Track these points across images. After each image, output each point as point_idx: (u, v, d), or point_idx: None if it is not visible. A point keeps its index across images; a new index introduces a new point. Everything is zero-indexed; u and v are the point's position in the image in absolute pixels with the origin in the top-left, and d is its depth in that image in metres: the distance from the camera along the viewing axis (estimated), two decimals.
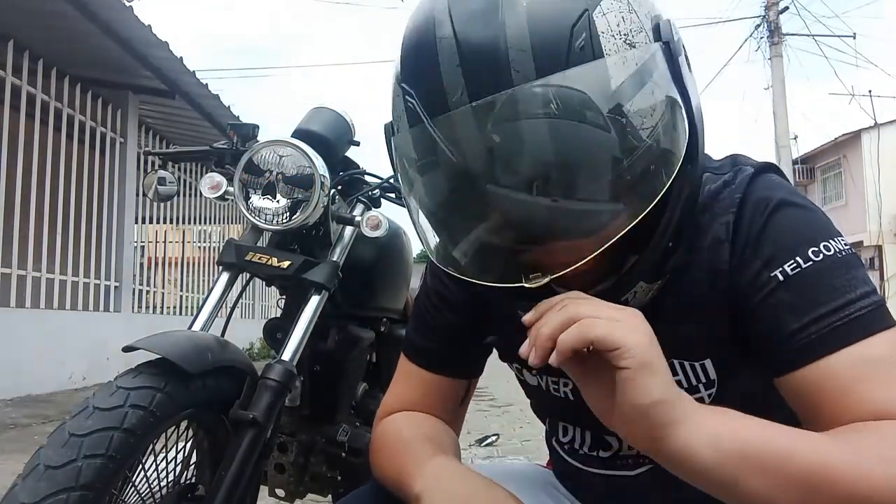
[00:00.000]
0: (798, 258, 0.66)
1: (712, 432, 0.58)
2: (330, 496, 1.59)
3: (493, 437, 3.58)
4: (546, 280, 0.62)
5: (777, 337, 0.66)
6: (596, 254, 0.60)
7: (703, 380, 0.74)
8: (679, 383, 0.72)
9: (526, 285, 0.63)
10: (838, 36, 14.83)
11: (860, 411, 0.61)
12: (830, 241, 0.67)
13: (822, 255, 0.66)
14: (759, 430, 0.59)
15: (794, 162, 16.50)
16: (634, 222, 0.60)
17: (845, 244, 0.68)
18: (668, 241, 0.65)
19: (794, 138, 16.28)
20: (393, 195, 1.50)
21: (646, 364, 0.57)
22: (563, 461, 0.89)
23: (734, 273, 0.69)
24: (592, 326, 0.57)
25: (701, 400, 0.73)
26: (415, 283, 1.87)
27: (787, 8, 13.09)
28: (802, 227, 0.68)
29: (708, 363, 0.73)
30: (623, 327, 0.57)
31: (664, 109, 0.62)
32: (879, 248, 17.87)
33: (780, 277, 0.67)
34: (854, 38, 16.55)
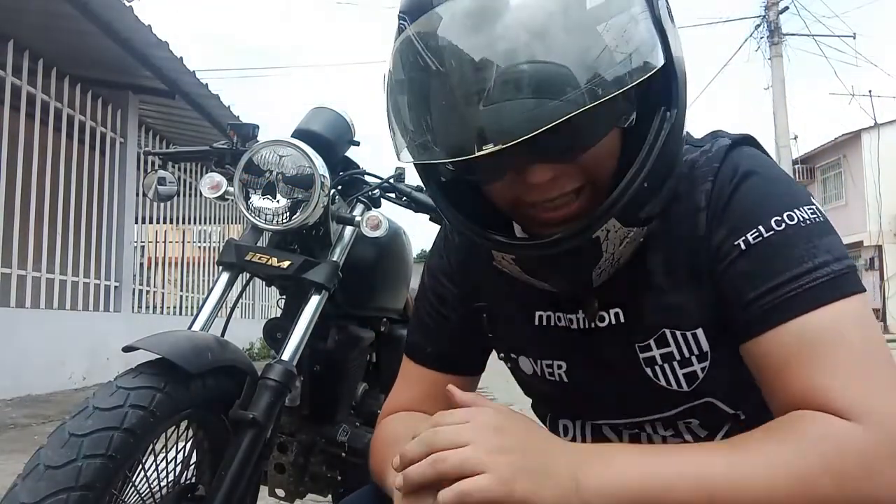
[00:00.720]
0: (761, 227, 0.67)
1: (616, 481, 0.57)
2: (330, 496, 1.59)
3: None
4: (495, 149, 0.58)
5: (736, 306, 0.68)
6: (550, 125, 0.57)
7: (696, 351, 0.73)
8: (671, 355, 0.74)
9: (480, 153, 0.59)
10: (838, 36, 14.85)
11: (792, 393, 0.63)
12: (796, 210, 0.68)
13: (784, 225, 0.67)
14: (665, 462, 0.59)
15: (794, 162, 16.51)
16: (593, 104, 0.57)
17: (813, 213, 0.68)
18: (643, 180, 0.64)
19: (794, 138, 16.27)
20: (393, 195, 1.50)
21: (514, 479, 0.55)
22: None
23: (708, 241, 0.70)
24: (443, 461, 0.56)
25: (694, 374, 0.74)
26: (415, 283, 1.88)
27: (787, 8, 13.09)
28: (768, 197, 0.69)
29: (700, 333, 0.73)
30: (479, 451, 0.55)
31: (643, 32, 0.61)
32: (879, 248, 17.87)
33: (742, 246, 0.68)
34: (854, 38, 16.56)
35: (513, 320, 0.84)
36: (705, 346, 0.73)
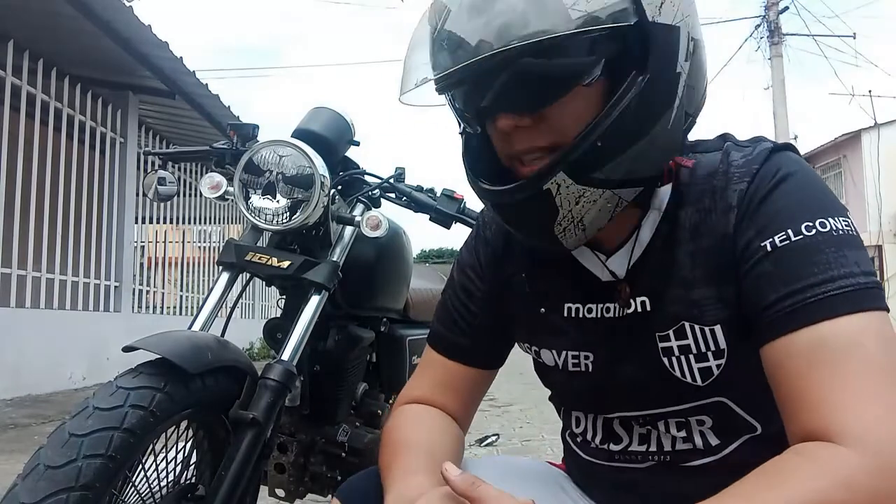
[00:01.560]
0: (789, 230, 0.67)
1: None
2: (330, 496, 1.59)
3: (493, 437, 3.57)
4: (444, 73, 0.65)
5: (757, 307, 0.67)
6: (491, 53, 0.62)
7: (713, 347, 0.73)
8: (688, 348, 0.74)
9: (430, 79, 0.67)
10: (838, 36, 14.81)
11: (800, 405, 0.62)
12: (829, 218, 0.67)
13: (814, 231, 0.66)
14: None
15: None
16: (539, 38, 0.61)
17: (847, 225, 0.67)
18: (597, 139, 0.65)
19: (794, 138, 16.27)
20: (393, 195, 1.50)
21: None
22: (575, 455, 0.91)
23: (735, 240, 0.70)
24: None
25: (709, 370, 0.74)
26: (415, 283, 1.88)
27: (787, 8, 13.08)
28: (802, 201, 0.68)
29: (718, 329, 0.72)
30: None
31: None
32: (879, 248, 17.85)
33: (769, 248, 0.67)
34: (854, 38, 16.52)
35: (540, 314, 0.85)
36: (722, 343, 0.73)
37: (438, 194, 1.47)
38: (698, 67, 0.72)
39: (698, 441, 0.78)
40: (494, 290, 0.89)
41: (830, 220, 0.67)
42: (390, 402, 1.74)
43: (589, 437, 0.87)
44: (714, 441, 0.77)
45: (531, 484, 0.87)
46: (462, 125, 0.77)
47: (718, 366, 0.74)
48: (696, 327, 0.73)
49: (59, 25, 5.06)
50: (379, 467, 0.82)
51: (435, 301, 2.09)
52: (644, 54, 0.66)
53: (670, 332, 0.75)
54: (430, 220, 1.46)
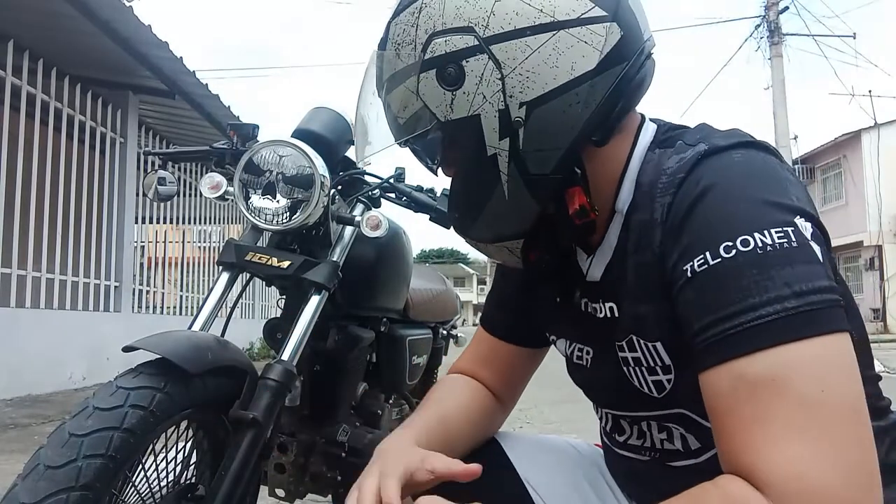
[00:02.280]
0: (707, 254, 0.61)
1: None
2: (330, 496, 1.59)
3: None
4: (381, 148, 0.82)
5: (686, 334, 0.64)
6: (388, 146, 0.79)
7: (659, 363, 0.72)
8: (639, 360, 0.74)
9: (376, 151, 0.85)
10: (838, 36, 14.84)
11: (728, 448, 0.59)
12: (755, 234, 0.59)
13: (734, 252, 0.60)
14: None
15: (794, 162, 16.50)
16: (388, 146, 0.79)
17: (781, 236, 0.59)
18: (454, 211, 0.82)
19: (794, 138, 16.27)
20: (393, 195, 1.50)
21: None
22: (602, 442, 0.94)
23: (663, 260, 0.67)
24: None
25: (661, 384, 0.74)
26: (415, 283, 1.87)
27: (787, 8, 13.10)
28: (726, 218, 0.62)
29: (659, 346, 0.71)
30: None
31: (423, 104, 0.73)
32: (879, 248, 17.85)
33: (689, 273, 0.63)
34: (854, 38, 16.52)
35: (556, 303, 0.87)
36: (667, 359, 0.72)
37: (438, 194, 1.46)
38: (550, 121, 0.69)
39: (678, 444, 0.78)
40: (526, 274, 0.88)
41: (756, 235, 0.59)
42: (390, 401, 1.74)
43: (603, 423, 0.90)
44: (695, 445, 0.76)
45: (565, 462, 0.94)
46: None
47: (668, 380, 0.73)
48: (642, 342, 0.73)
49: (59, 25, 5.06)
50: None
51: (435, 301, 2.09)
52: (454, 150, 0.75)
53: (623, 342, 0.75)
54: (430, 220, 1.46)
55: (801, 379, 0.55)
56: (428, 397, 0.94)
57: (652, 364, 0.73)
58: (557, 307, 0.87)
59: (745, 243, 0.60)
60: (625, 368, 0.76)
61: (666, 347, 0.71)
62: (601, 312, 0.79)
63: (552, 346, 0.96)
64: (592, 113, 0.70)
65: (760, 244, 0.59)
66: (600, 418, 0.91)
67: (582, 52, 0.68)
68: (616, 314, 0.76)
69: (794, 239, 0.60)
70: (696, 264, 0.62)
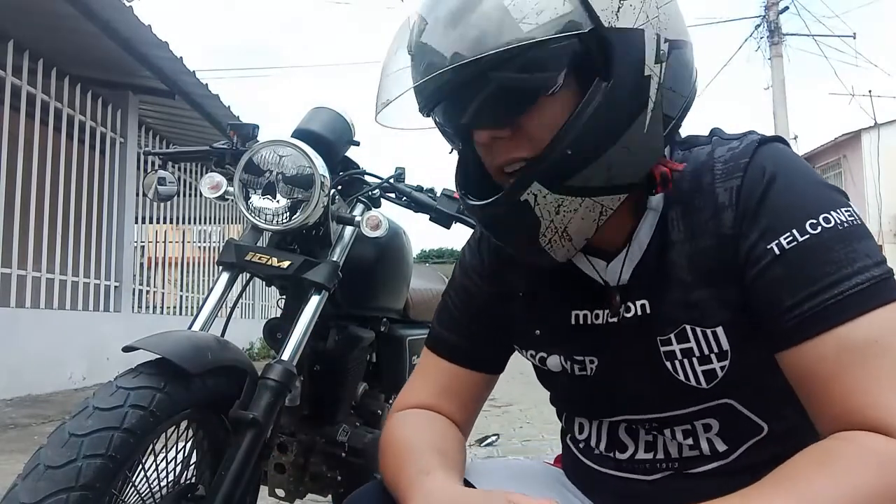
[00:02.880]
0: (795, 231, 0.66)
1: None
2: (330, 496, 1.59)
3: (493, 438, 3.57)
4: (413, 85, 0.69)
5: (772, 313, 0.66)
6: (450, 67, 0.64)
7: (716, 349, 0.72)
8: (690, 351, 0.73)
9: (406, 90, 0.71)
10: (838, 36, 14.78)
11: (835, 408, 0.62)
12: (831, 212, 0.66)
13: (819, 229, 0.65)
14: None
15: None
16: (490, 52, 0.62)
17: (850, 215, 0.66)
18: (566, 147, 0.65)
19: (794, 138, 16.28)
20: (393, 195, 1.50)
21: None
22: (576, 460, 0.89)
23: (737, 242, 0.69)
24: None
25: (713, 372, 0.73)
26: (414, 283, 1.88)
27: (787, 8, 13.08)
28: (802, 199, 0.67)
29: (720, 331, 0.71)
30: None
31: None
32: (879, 248, 17.84)
33: (776, 251, 0.66)
34: (854, 38, 16.51)
35: (547, 320, 0.83)
36: (725, 344, 0.72)
37: (438, 194, 1.47)
38: (679, 69, 0.70)
39: (705, 447, 0.77)
40: (497, 294, 0.87)
41: (833, 213, 0.66)
42: (390, 401, 1.74)
43: (593, 443, 0.86)
44: (722, 447, 0.76)
45: (537, 485, 0.86)
46: (450, 145, 0.79)
47: (723, 367, 0.72)
48: (698, 330, 0.72)
49: (59, 25, 5.06)
50: (383, 473, 0.80)
51: (435, 301, 2.08)
52: (606, 61, 0.65)
53: (671, 335, 0.74)
54: (430, 220, 1.46)
55: None
56: (408, 439, 0.80)
57: (707, 352, 0.72)
58: (546, 327, 0.83)
59: (826, 220, 0.65)
60: (668, 363, 0.74)
61: (727, 331, 0.71)
62: (630, 312, 0.77)
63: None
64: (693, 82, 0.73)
65: (838, 221, 0.65)
66: (584, 439, 0.86)
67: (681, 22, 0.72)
68: (649, 311, 0.75)
69: (856, 217, 0.67)
70: (784, 242, 0.66)
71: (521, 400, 4.88)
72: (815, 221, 0.65)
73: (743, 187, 0.69)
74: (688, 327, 0.73)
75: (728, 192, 0.70)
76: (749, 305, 0.69)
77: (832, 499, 0.56)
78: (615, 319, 0.78)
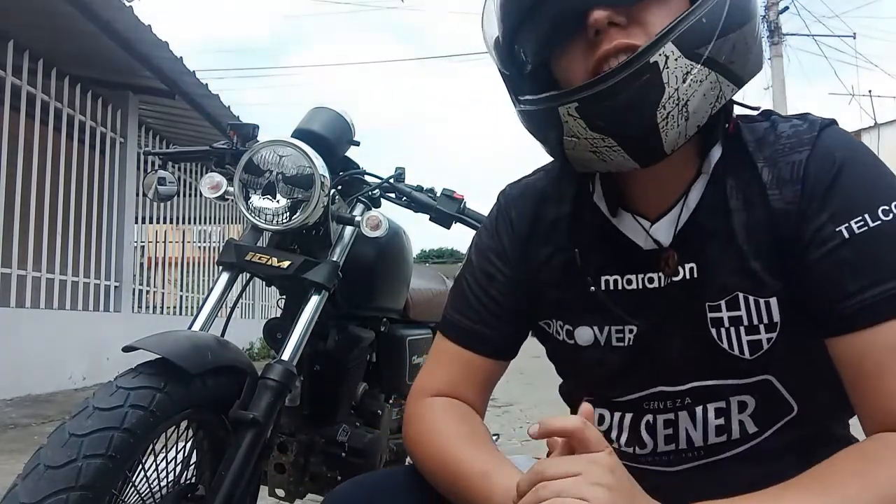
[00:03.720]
0: (867, 216, 0.65)
1: None
2: None
3: (493, 438, 3.57)
4: None
5: (831, 296, 0.65)
6: None
7: (766, 320, 0.71)
8: (739, 319, 0.72)
9: None
10: (838, 36, 14.81)
11: (888, 405, 0.60)
12: None
13: (892, 216, 0.64)
14: None
15: None
16: None
17: None
18: (702, 15, 0.64)
19: None
20: (393, 195, 1.50)
21: None
22: None
23: (800, 219, 0.68)
24: (546, 488, 0.57)
25: (759, 343, 0.72)
26: (415, 283, 1.88)
27: (787, 8, 13.08)
28: (874, 184, 0.66)
29: (773, 301, 0.71)
30: (581, 482, 0.56)
31: None
32: None
33: (846, 234, 0.65)
34: (854, 37, 16.51)
35: (581, 288, 0.81)
36: (776, 316, 0.71)
37: (438, 194, 1.47)
38: (752, 33, 0.69)
39: (735, 429, 0.75)
40: (521, 274, 0.85)
41: None
42: (390, 401, 1.74)
43: (613, 436, 0.84)
44: (752, 428, 0.75)
45: None
46: (546, 38, 0.74)
47: (769, 339, 0.71)
48: (751, 299, 0.71)
49: (59, 25, 5.06)
50: (420, 462, 0.80)
51: (435, 301, 2.08)
52: None
53: (722, 302, 0.72)
54: (430, 220, 1.46)
55: None
56: (449, 428, 0.81)
57: (756, 322, 0.72)
58: (587, 295, 0.80)
59: None
60: (714, 330, 0.73)
61: (780, 303, 0.71)
62: (678, 276, 0.75)
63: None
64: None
65: None
66: (606, 431, 0.83)
67: None
68: (696, 275, 0.74)
69: None
70: (854, 226, 0.65)
71: (521, 400, 4.87)
72: (887, 208, 0.64)
73: (809, 165, 0.68)
74: (741, 295, 0.72)
75: (791, 166, 0.69)
76: (805, 285, 0.68)
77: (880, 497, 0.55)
78: (656, 285, 0.76)
